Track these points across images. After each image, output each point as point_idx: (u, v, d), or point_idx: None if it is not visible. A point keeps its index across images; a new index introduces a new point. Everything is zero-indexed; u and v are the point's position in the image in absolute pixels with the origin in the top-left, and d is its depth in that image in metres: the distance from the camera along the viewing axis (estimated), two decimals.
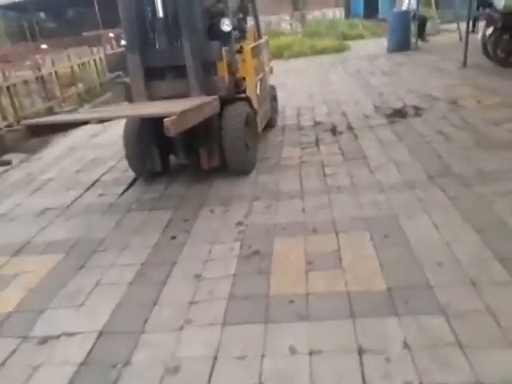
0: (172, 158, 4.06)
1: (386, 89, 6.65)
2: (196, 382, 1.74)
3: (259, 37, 4.92)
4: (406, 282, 2.16)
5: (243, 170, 3.84)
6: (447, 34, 12.11)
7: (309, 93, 7.02)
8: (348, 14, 19.71)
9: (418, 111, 5.15)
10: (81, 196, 3.83)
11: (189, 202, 3.46)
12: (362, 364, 1.72)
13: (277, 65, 6.86)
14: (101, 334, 2.06)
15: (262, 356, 1.81)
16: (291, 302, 2.09)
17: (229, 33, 3.62)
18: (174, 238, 2.90)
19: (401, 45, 10.34)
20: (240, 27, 4.18)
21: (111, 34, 10.94)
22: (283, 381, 1.70)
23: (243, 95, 3.87)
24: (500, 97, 5.33)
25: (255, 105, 4.13)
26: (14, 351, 2.03)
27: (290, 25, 16.57)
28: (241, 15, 4.34)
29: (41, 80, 6.77)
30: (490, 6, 7.94)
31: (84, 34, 20.06)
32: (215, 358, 1.83)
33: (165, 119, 2.63)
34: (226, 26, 3.58)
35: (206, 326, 2.01)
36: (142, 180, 4.07)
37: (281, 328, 1.94)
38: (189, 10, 3.44)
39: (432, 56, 9.33)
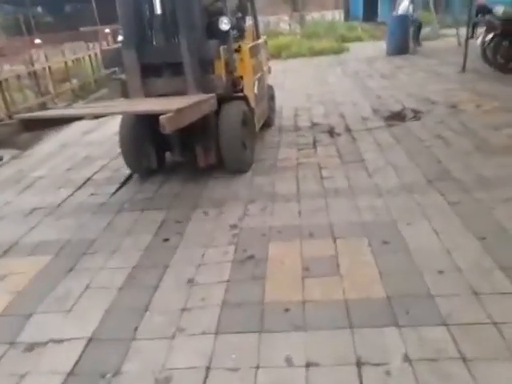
0: (168, 155, 4.01)
1: (385, 92, 6.60)
2: None
3: (258, 36, 4.89)
4: (406, 291, 2.09)
5: (240, 168, 3.81)
6: (446, 39, 12.11)
7: (306, 93, 6.96)
8: (347, 17, 19.71)
9: (416, 114, 5.10)
10: (72, 195, 3.74)
11: (182, 203, 3.38)
12: (360, 377, 1.66)
13: (275, 65, 6.79)
14: (90, 341, 1.97)
15: (257, 367, 1.73)
16: (287, 310, 2.01)
17: (227, 31, 3.59)
18: (166, 240, 2.81)
19: (400, 48, 10.32)
20: (239, 26, 4.15)
21: (107, 30, 10.82)
22: None
23: (241, 94, 3.84)
24: (499, 102, 5.30)
25: (252, 104, 4.11)
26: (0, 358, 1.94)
27: (289, 25, 16.51)
28: (240, 14, 4.31)
29: (34, 75, 6.65)
30: (490, 12, 7.92)
31: (81, 29, 19.92)
32: (208, 368, 1.75)
33: (161, 116, 2.59)
34: (225, 24, 3.54)
35: (199, 335, 1.93)
36: (135, 179, 3.99)
37: (276, 338, 1.87)
38: (187, 8, 3.40)
39: (431, 60, 9.31)
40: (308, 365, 1.72)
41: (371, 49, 11.99)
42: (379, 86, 7.07)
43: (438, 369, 1.66)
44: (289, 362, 1.75)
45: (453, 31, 11.35)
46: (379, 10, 18.98)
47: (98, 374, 1.79)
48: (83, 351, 1.91)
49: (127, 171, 4.10)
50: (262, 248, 2.59)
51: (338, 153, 4.12)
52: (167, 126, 2.60)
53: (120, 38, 3.61)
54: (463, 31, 8.26)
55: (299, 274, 2.29)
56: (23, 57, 7.71)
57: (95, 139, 5.54)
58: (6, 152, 5.32)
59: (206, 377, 1.71)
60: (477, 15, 8.44)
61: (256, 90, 4.31)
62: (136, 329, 2.02)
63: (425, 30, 12.22)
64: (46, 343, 1.99)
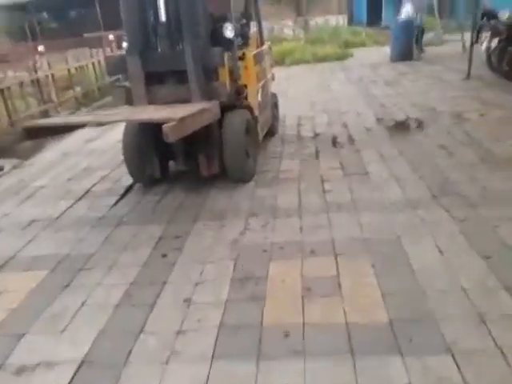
0: (172, 164, 3.99)
1: (388, 99, 6.54)
2: None
3: (262, 43, 4.86)
4: (410, 315, 2.02)
5: (243, 177, 3.79)
6: (450, 44, 12.03)
7: (310, 101, 6.91)
8: (351, 21, 19.70)
9: (420, 124, 5.03)
10: (71, 207, 3.69)
11: (183, 216, 3.33)
12: None
13: (278, 72, 6.75)
14: (82, 364, 1.92)
15: None
16: (286, 334, 1.95)
17: (231, 39, 3.57)
18: (164, 255, 2.76)
19: (404, 54, 10.25)
20: (243, 33, 4.12)
21: (111, 37, 10.83)
22: None
23: (244, 102, 3.81)
24: (504, 111, 5.23)
25: (256, 112, 4.08)
26: None
27: (293, 31, 16.49)
28: (244, 21, 4.27)
29: (36, 83, 6.64)
30: (495, 17, 7.84)
31: (85, 35, 20.01)
32: None
33: (164, 125, 2.56)
34: (229, 31, 3.54)
35: (194, 360, 1.87)
36: (136, 189, 3.95)
37: (274, 365, 1.80)
38: (191, 15, 3.38)
39: (435, 66, 9.24)
40: None
41: (375, 54, 11.94)
42: (383, 94, 7.01)
43: None
44: None
45: (457, 36, 11.28)
46: (383, 15, 18.93)
47: None
48: (74, 376, 1.85)
49: (127, 182, 4.07)
50: (262, 266, 2.53)
51: (341, 164, 4.06)
52: (170, 135, 2.59)
53: (124, 44, 3.59)
54: (468, 36, 8.20)
55: (300, 295, 2.23)
56: (27, 63, 7.71)
57: (97, 148, 5.51)
58: (7, 161, 5.29)
59: None
60: (482, 19, 8.37)
61: (260, 98, 4.29)
62: (130, 352, 1.97)
63: (429, 35, 12.16)
64: (36, 366, 1.93)
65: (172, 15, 3.46)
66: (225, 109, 3.53)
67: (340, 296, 2.20)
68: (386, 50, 11.16)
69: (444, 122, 5.05)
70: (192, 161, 3.71)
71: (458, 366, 1.72)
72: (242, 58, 3.76)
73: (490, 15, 8.28)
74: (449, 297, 2.12)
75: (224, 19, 3.62)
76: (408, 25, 10.17)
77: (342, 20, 19.25)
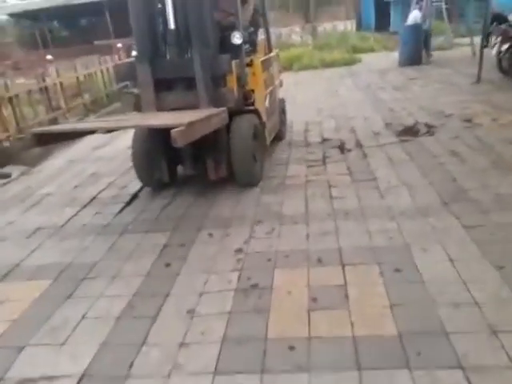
0: (180, 168, 4.03)
1: (397, 104, 6.46)
2: None
3: (270, 50, 4.90)
4: (419, 327, 1.95)
5: (250, 181, 3.82)
6: (460, 49, 11.92)
7: (317, 107, 6.86)
8: (359, 27, 19.65)
9: (430, 129, 4.95)
10: (76, 214, 3.67)
11: (187, 223, 3.29)
12: None
13: (286, 78, 6.70)
14: (82, 378, 1.87)
15: None
16: (291, 348, 1.88)
17: (239, 46, 3.62)
18: (168, 265, 2.71)
19: (412, 59, 10.17)
20: (251, 40, 4.17)
21: (119, 45, 10.90)
22: None
23: (252, 107, 3.84)
24: None
25: (264, 117, 4.12)
26: None
27: (301, 37, 16.50)
28: (252, 29, 4.33)
29: (45, 90, 6.68)
30: (505, 20, 7.74)
31: (95, 42, 20.25)
32: None
33: (172, 130, 2.59)
34: (237, 39, 3.58)
35: (196, 374, 1.81)
36: (142, 195, 3.96)
37: (279, 380, 1.74)
38: (200, 23, 3.43)
39: (444, 70, 9.15)
40: None
41: (384, 60, 11.87)
42: (391, 99, 6.93)
43: None
44: None
45: (467, 40, 11.17)
46: (391, 20, 18.85)
47: None
48: None
49: (134, 189, 4.06)
50: (266, 275, 2.47)
51: (349, 170, 3.99)
52: (178, 140, 2.61)
53: (134, 53, 3.63)
54: (477, 40, 8.10)
55: (306, 306, 2.16)
56: (36, 71, 7.78)
57: (105, 155, 5.52)
58: (15, 168, 5.32)
59: None
60: (491, 24, 8.28)
61: (267, 104, 4.33)
62: (131, 365, 1.92)
63: (438, 40, 12.08)
64: (37, 380, 1.89)
65: (181, 23, 3.49)
66: (233, 114, 3.56)
67: (347, 307, 2.13)
68: (395, 55, 11.09)
69: (454, 127, 4.96)
70: (200, 165, 3.76)
71: (469, 381, 1.64)
72: (249, 65, 3.82)
73: (500, 19, 8.18)
74: (460, 308, 2.04)
75: (232, 27, 3.67)
76: (416, 29, 10.11)
77: (350, 26, 19.22)
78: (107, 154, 5.55)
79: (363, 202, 3.31)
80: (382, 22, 18.80)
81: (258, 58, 4.04)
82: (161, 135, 3.48)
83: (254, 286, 2.38)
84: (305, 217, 3.16)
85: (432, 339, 1.87)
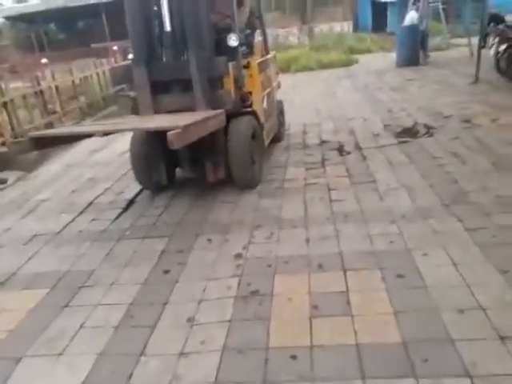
0: (178, 171, 4.02)
1: (395, 105, 6.44)
2: None
3: (267, 52, 4.88)
4: (424, 334, 1.91)
5: (248, 183, 3.81)
6: (458, 49, 11.92)
7: (315, 108, 6.84)
8: (356, 28, 19.65)
9: (429, 130, 4.92)
10: (73, 220, 3.62)
11: (186, 229, 3.24)
12: None
13: (284, 79, 6.67)
14: None
15: None
16: (293, 357, 1.84)
17: (236, 48, 3.60)
18: (166, 272, 2.67)
19: (410, 60, 10.16)
20: (247, 42, 4.17)
21: (115, 48, 10.86)
22: None
23: (249, 109, 3.83)
24: None
25: (262, 119, 4.11)
26: None
27: (298, 38, 16.49)
28: (248, 31, 4.32)
29: (40, 94, 6.62)
30: (502, 21, 7.75)
31: (92, 45, 20.22)
32: None
33: (168, 132, 2.57)
34: (233, 41, 3.57)
35: None
36: (140, 199, 3.92)
37: None
38: (196, 25, 3.41)
39: (442, 71, 9.13)
40: None
41: (381, 60, 11.86)
42: (389, 100, 6.91)
43: None
44: None
45: (464, 41, 11.18)
46: (388, 21, 18.88)
47: None
48: None
49: (131, 194, 4.01)
50: (267, 282, 2.43)
51: (348, 172, 3.96)
52: (175, 142, 2.60)
53: (130, 55, 3.62)
54: (475, 41, 8.09)
55: (307, 313, 2.12)
56: (34, 74, 7.72)
57: (102, 159, 5.47)
58: (11, 174, 5.26)
59: None
60: (489, 24, 8.29)
61: (265, 106, 4.32)
62: (130, 375, 1.88)
63: (435, 40, 12.07)
64: None
65: (177, 25, 3.47)
66: (230, 116, 3.55)
67: (350, 314, 2.09)
68: (392, 56, 11.08)
69: (453, 128, 4.93)
70: (198, 167, 3.76)
71: None
72: (246, 67, 3.81)
73: (497, 19, 8.20)
74: (465, 315, 2.01)
75: (228, 29, 3.66)
76: (413, 30, 10.10)
77: (347, 27, 19.21)
78: (104, 158, 5.50)
79: (363, 204, 3.27)
80: (379, 23, 18.83)
81: (255, 60, 4.03)
82: (159, 138, 3.46)
83: (254, 293, 2.34)
84: (304, 221, 3.13)
85: (437, 346, 1.83)
